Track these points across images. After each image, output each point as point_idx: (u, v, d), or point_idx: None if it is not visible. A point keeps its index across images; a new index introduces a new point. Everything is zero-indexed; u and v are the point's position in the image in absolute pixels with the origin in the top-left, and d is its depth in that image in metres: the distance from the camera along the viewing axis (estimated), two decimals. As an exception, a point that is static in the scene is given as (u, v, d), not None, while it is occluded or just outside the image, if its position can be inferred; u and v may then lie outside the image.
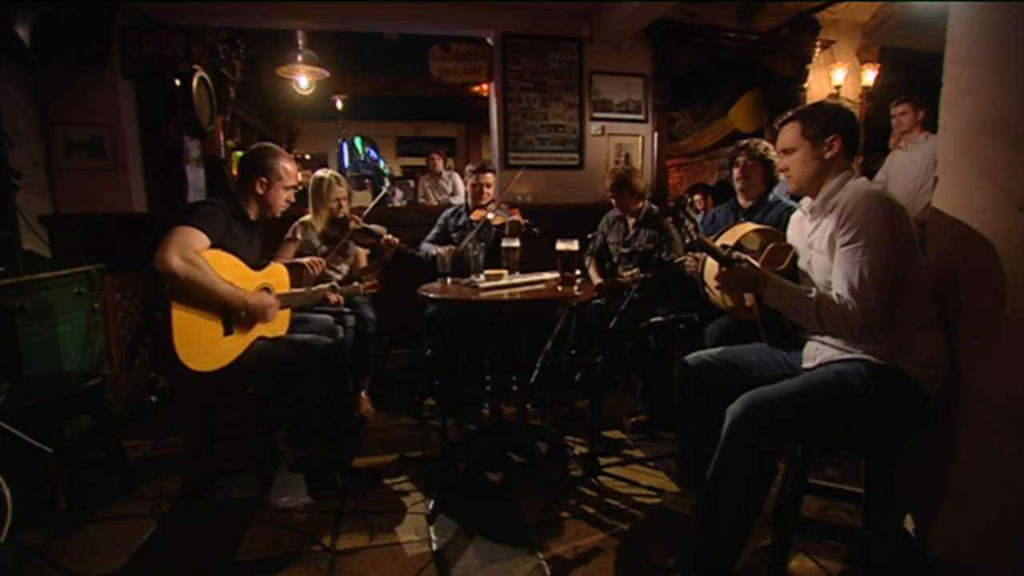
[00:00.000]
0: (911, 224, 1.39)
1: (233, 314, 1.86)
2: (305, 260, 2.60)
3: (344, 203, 2.84)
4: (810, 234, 1.57)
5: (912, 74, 4.21)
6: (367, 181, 4.30)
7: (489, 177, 3.09)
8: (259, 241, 2.19)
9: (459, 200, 6.16)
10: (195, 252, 1.70)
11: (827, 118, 1.51)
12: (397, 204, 5.46)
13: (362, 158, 4.33)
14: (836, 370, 1.40)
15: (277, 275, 2.05)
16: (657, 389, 2.65)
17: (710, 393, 1.76)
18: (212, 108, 4.08)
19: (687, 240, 1.43)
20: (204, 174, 3.89)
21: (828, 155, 1.51)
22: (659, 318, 1.88)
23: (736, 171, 2.49)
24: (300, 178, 5.37)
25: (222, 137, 4.89)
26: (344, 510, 1.97)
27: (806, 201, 1.66)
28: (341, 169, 4.58)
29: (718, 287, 1.59)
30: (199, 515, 1.97)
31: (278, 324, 2.05)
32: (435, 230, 3.29)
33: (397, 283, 3.20)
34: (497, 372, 2.24)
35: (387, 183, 4.83)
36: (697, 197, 6.26)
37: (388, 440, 2.56)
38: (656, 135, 4.02)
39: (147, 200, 3.40)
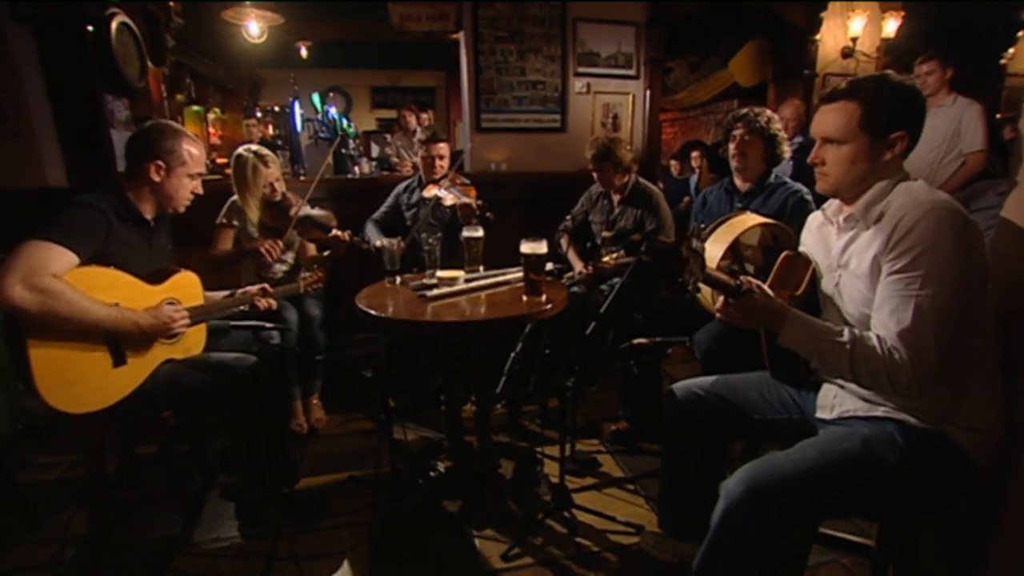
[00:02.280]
0: (985, 249, 1.06)
1: (124, 339, 1.50)
2: (263, 247, 2.24)
3: (278, 184, 2.43)
4: (842, 250, 1.24)
5: (939, 23, 3.75)
6: (327, 144, 3.84)
7: (441, 147, 2.68)
8: (168, 241, 1.81)
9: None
10: (51, 276, 1.31)
11: (897, 105, 1.13)
12: (367, 168, 4.99)
13: (320, 117, 3.84)
14: (863, 437, 1.10)
15: (186, 285, 1.68)
16: (640, 395, 2.37)
17: (701, 431, 1.48)
18: (142, 59, 3.56)
19: (690, 288, 1.08)
20: (136, 138, 3.44)
21: (887, 157, 1.15)
22: (643, 340, 1.58)
23: (732, 147, 2.11)
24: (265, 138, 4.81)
25: (163, 92, 4.35)
26: (275, 554, 1.70)
27: (832, 204, 1.31)
28: (292, 133, 4.09)
29: (720, 316, 1.26)
30: (107, 563, 1.70)
31: (191, 342, 1.71)
32: (384, 208, 2.90)
33: (359, 259, 2.80)
34: (455, 389, 1.94)
35: (351, 144, 4.35)
36: (695, 154, 5.86)
37: (337, 453, 2.28)
38: (648, 93, 3.57)
39: (66, 172, 2.96)
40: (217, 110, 6.38)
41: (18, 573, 1.64)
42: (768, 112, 2.09)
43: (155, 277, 1.61)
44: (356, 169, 4.59)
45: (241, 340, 1.90)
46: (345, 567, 1.65)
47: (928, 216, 1.03)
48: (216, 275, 2.47)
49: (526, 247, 1.66)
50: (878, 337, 1.07)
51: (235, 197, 2.48)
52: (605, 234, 2.70)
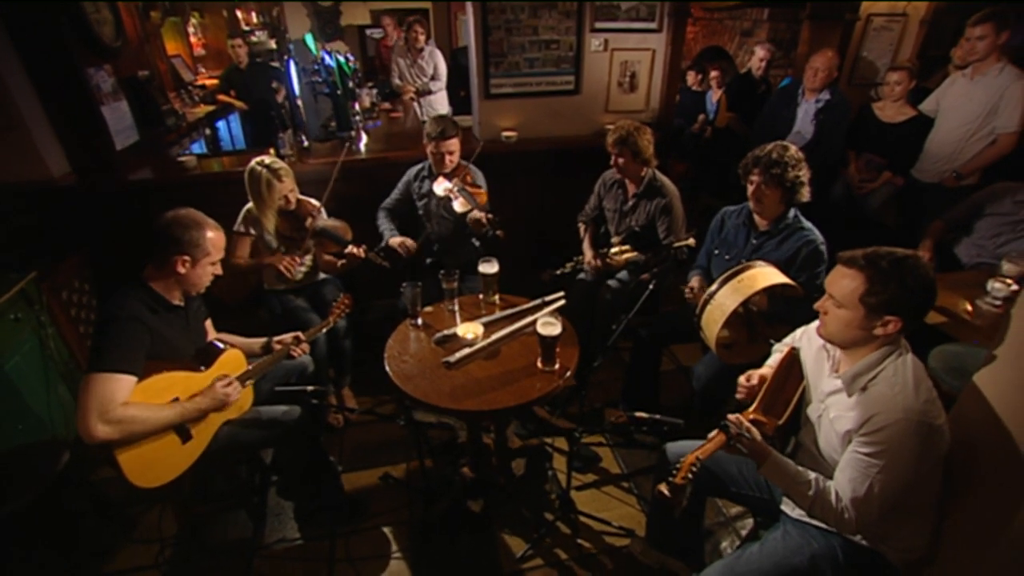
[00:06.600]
0: (945, 448, 1.22)
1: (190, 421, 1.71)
2: (282, 264, 2.42)
3: (291, 195, 2.45)
4: (827, 394, 1.39)
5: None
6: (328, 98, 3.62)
7: (451, 144, 2.62)
8: (201, 303, 1.93)
9: (439, 86, 5.31)
10: (121, 406, 1.48)
11: (897, 293, 1.21)
12: (367, 102, 4.72)
13: (316, 65, 3.55)
14: (811, 553, 1.37)
15: (230, 361, 1.84)
16: (640, 391, 2.63)
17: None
18: (115, 12, 3.25)
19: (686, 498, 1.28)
20: (128, 106, 3.28)
21: (878, 332, 1.26)
22: (642, 414, 1.77)
23: (749, 188, 2.10)
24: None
25: (137, 26, 3.99)
26: (335, 556, 2.09)
27: (831, 349, 1.43)
28: (291, 96, 3.81)
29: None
30: (201, 563, 2.09)
31: (242, 401, 1.91)
32: (396, 194, 2.90)
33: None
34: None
35: (351, 83, 4.08)
36: (714, 74, 5.44)
37: (370, 444, 2.61)
38: (670, 49, 3.28)
39: (68, 160, 2.89)
40: (196, 15, 5.78)
41: (134, 572, 2.05)
42: (791, 151, 2.01)
43: (203, 361, 1.77)
44: (356, 106, 4.37)
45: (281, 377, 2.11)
46: (392, 567, 2.06)
47: (897, 424, 1.18)
48: (235, 280, 2.59)
49: (544, 328, 1.79)
50: (836, 494, 1.30)
51: (250, 205, 2.50)
52: (615, 240, 2.75)
